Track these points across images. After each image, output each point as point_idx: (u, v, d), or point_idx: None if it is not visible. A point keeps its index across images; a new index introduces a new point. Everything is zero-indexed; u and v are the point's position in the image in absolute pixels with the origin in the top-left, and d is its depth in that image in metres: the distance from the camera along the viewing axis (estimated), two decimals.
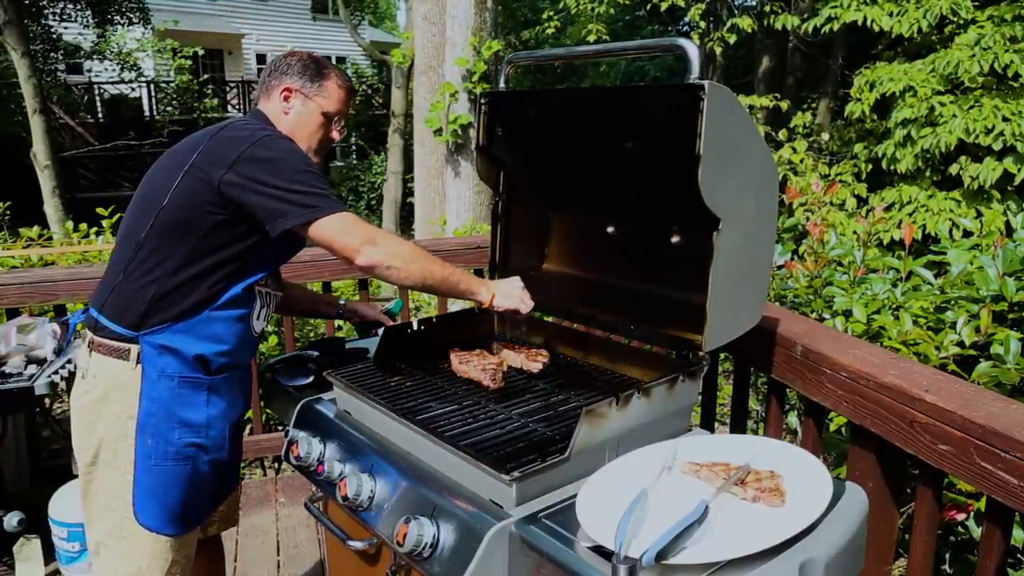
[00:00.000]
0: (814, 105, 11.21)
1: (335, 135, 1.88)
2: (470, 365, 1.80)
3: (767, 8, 9.73)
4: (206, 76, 20.02)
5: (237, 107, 19.58)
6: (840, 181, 7.99)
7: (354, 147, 21.26)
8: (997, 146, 6.90)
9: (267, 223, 1.61)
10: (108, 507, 1.73)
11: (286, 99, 1.81)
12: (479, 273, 3.27)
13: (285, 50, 2.03)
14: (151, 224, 1.67)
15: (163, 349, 1.67)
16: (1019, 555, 2.12)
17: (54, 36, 16.52)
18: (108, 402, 1.69)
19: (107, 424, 1.70)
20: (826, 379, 1.69)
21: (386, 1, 33.60)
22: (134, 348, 1.67)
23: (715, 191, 1.46)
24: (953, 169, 7.41)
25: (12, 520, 2.61)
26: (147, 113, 18.96)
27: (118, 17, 17.06)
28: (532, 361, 1.87)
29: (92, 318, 1.74)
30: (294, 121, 1.81)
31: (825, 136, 9.35)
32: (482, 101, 1.98)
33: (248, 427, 3.29)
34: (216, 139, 1.69)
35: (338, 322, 3.87)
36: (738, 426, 2.15)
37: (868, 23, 7.99)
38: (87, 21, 16.77)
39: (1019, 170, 6.94)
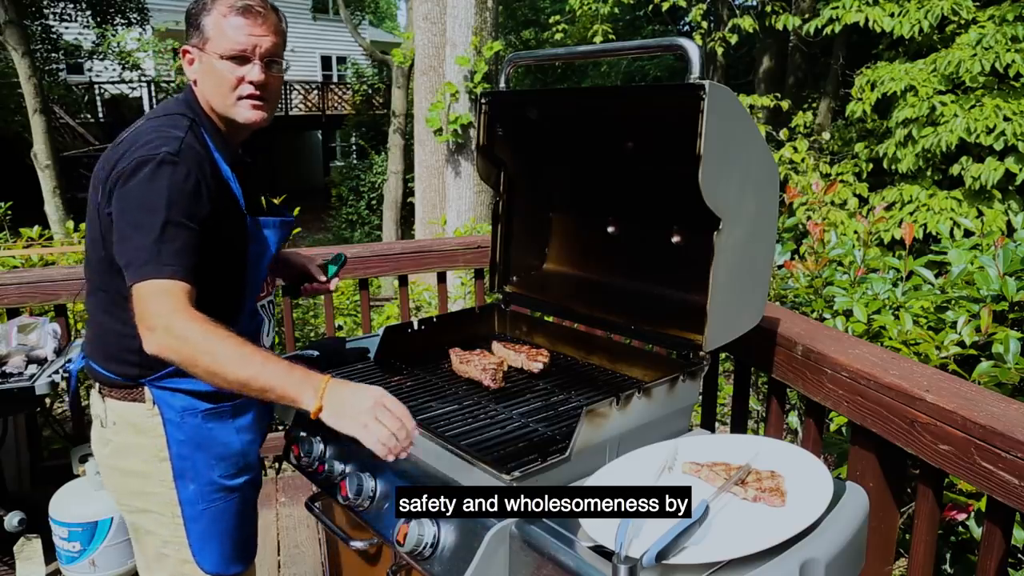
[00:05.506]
0: (815, 105, 11.19)
1: (252, 76, 1.49)
2: (470, 365, 1.80)
3: (768, 8, 9.71)
4: None
5: None
6: (841, 181, 7.98)
7: (355, 147, 21.28)
8: (998, 146, 6.89)
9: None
10: (162, 554, 1.63)
11: (190, 64, 1.55)
12: (479, 273, 3.26)
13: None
14: (88, 259, 1.50)
15: (176, 391, 1.54)
16: (1020, 555, 2.12)
17: (54, 36, 16.53)
18: (135, 448, 1.58)
19: (140, 470, 1.58)
20: (827, 379, 1.69)
21: (386, 1, 33.61)
22: (147, 389, 1.54)
23: (715, 191, 1.46)
24: (954, 169, 7.40)
25: (13, 520, 2.61)
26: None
27: (118, 17, 17.07)
28: (532, 361, 1.87)
29: (91, 368, 1.60)
30: (200, 85, 1.54)
31: (826, 136, 9.33)
32: (483, 101, 1.97)
33: None
34: (108, 152, 1.48)
35: (338, 322, 3.87)
36: (739, 426, 2.15)
37: (869, 24, 7.98)
38: (87, 21, 16.78)
39: (1020, 170, 6.93)
